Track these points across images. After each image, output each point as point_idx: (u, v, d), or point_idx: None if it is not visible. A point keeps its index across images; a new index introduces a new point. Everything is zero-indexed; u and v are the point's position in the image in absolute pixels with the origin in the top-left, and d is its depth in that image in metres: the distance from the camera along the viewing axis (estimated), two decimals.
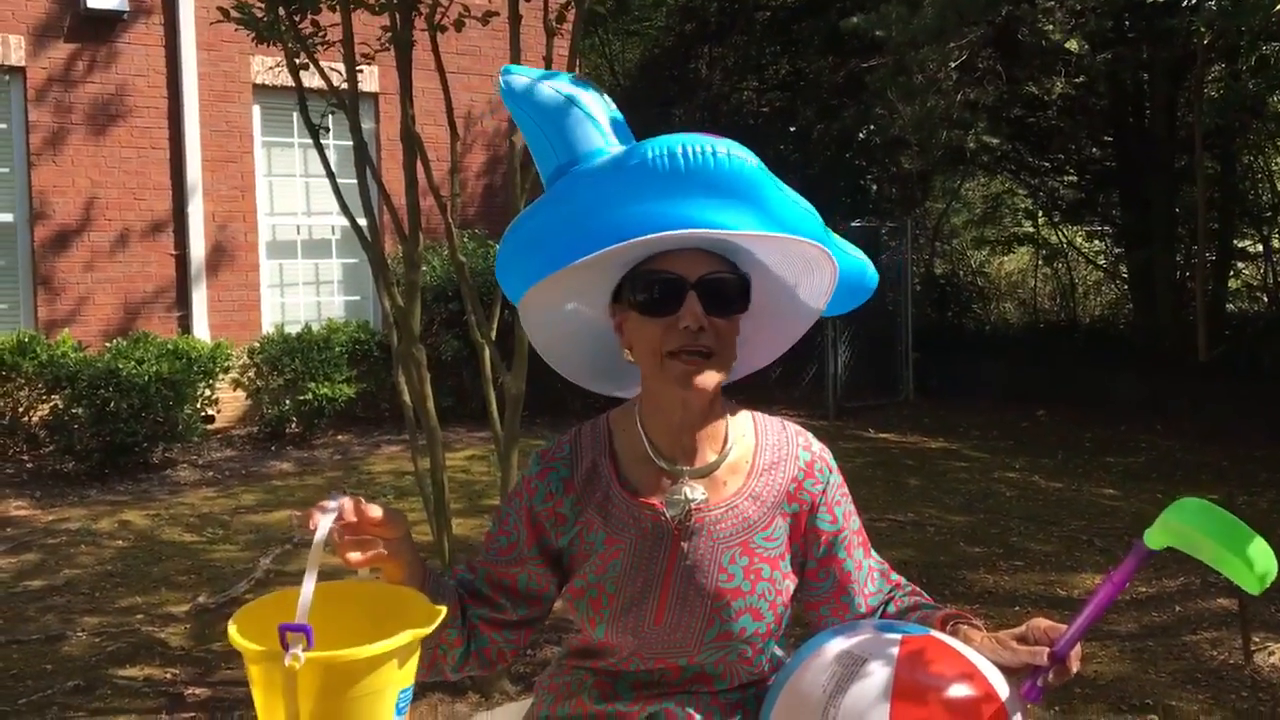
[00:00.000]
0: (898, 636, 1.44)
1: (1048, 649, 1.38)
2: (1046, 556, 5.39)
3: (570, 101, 1.56)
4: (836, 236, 1.68)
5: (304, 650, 1.23)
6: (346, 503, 1.34)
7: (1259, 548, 1.27)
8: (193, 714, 3.66)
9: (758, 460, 1.58)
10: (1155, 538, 1.35)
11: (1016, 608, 4.62)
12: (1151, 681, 3.92)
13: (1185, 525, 1.31)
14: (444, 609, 1.35)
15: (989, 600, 4.75)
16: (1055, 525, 5.95)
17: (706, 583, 1.51)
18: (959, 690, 1.36)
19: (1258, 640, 4.18)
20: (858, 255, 1.71)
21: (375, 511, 1.36)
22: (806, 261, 1.52)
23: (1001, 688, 1.39)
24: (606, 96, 1.63)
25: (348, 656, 1.25)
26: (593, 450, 1.59)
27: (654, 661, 1.54)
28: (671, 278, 1.47)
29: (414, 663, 1.32)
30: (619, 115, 1.63)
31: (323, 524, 1.30)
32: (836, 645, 1.46)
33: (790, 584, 1.57)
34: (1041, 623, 1.43)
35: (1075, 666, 1.40)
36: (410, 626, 1.31)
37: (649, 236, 1.44)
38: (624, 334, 1.55)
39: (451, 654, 1.54)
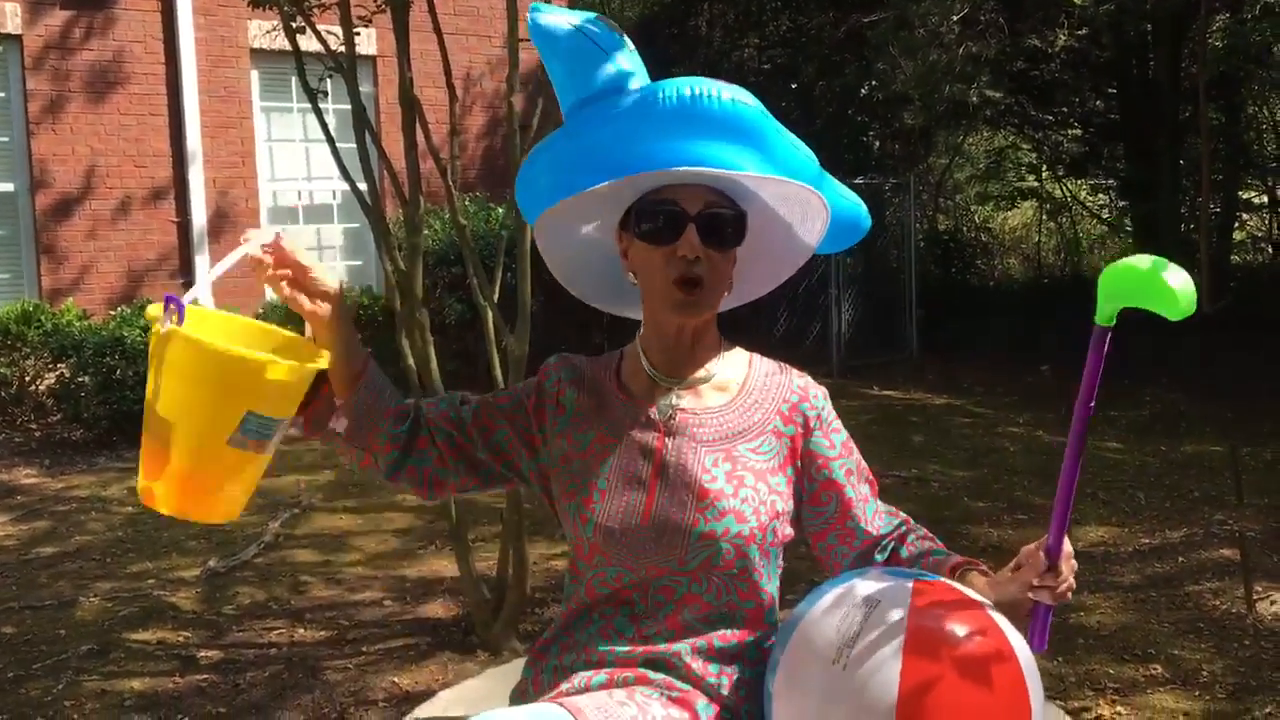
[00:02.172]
0: (910, 583, 1.46)
1: (1042, 550, 1.47)
2: (1051, 510, 5.37)
3: (592, 40, 1.67)
4: (833, 180, 1.79)
5: (173, 322, 1.38)
6: (282, 236, 1.51)
7: (1182, 276, 1.34)
8: (205, 676, 3.71)
9: (748, 383, 1.69)
10: (1104, 311, 1.41)
11: None
12: (1154, 631, 3.95)
13: (1124, 277, 1.38)
14: (322, 363, 1.54)
15: (994, 554, 4.78)
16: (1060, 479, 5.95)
17: (690, 480, 1.60)
18: (971, 635, 1.38)
19: (1260, 589, 4.21)
20: (852, 199, 1.83)
21: (304, 257, 1.54)
22: (802, 203, 1.63)
23: (1012, 635, 1.42)
24: (626, 37, 1.73)
25: (195, 339, 1.39)
26: (603, 368, 1.74)
27: (645, 569, 1.59)
28: (674, 210, 1.57)
29: (280, 398, 1.46)
30: (636, 55, 1.72)
31: (253, 240, 1.49)
32: (850, 591, 1.47)
33: (778, 501, 1.63)
34: (1028, 547, 1.51)
35: (1069, 574, 1.46)
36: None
37: (655, 172, 1.56)
38: (628, 258, 1.66)
39: (384, 456, 1.67)
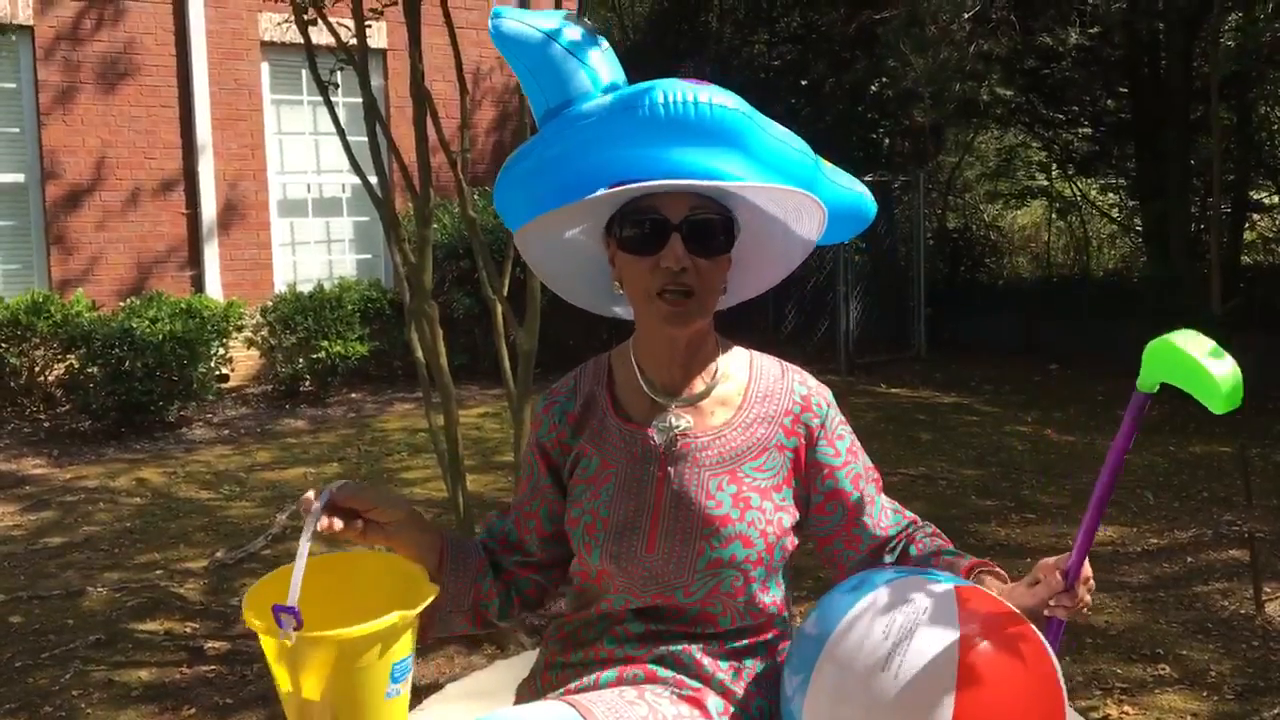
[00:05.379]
0: (948, 586, 1.41)
1: (1060, 571, 1.44)
2: (1058, 509, 5.40)
3: (560, 44, 1.59)
4: (831, 168, 1.72)
5: (295, 630, 1.33)
6: (336, 491, 1.47)
7: (1231, 367, 1.27)
8: (213, 666, 3.72)
9: (750, 394, 1.63)
10: (1146, 380, 1.37)
11: (1028, 560, 4.64)
12: (1162, 631, 3.94)
13: (1168, 355, 1.33)
14: (435, 590, 1.46)
15: (1001, 553, 4.77)
16: (1067, 479, 5.95)
17: (695, 508, 1.56)
18: (1021, 651, 1.36)
19: (1269, 591, 4.20)
20: (854, 187, 1.75)
21: (359, 498, 1.49)
22: (794, 201, 1.56)
23: (1049, 649, 1.41)
24: (600, 36, 1.65)
25: (334, 636, 1.34)
26: (593, 383, 1.68)
27: (651, 596, 1.57)
28: (656, 218, 1.51)
29: (409, 636, 1.41)
30: (612, 55, 1.64)
31: (311, 515, 1.43)
32: (887, 596, 1.41)
33: (785, 517, 1.59)
34: (1047, 561, 1.48)
35: (1085, 595, 1.44)
36: (416, 597, 1.42)
37: (627, 186, 1.49)
38: (615, 266, 1.60)
39: (491, 605, 1.64)
